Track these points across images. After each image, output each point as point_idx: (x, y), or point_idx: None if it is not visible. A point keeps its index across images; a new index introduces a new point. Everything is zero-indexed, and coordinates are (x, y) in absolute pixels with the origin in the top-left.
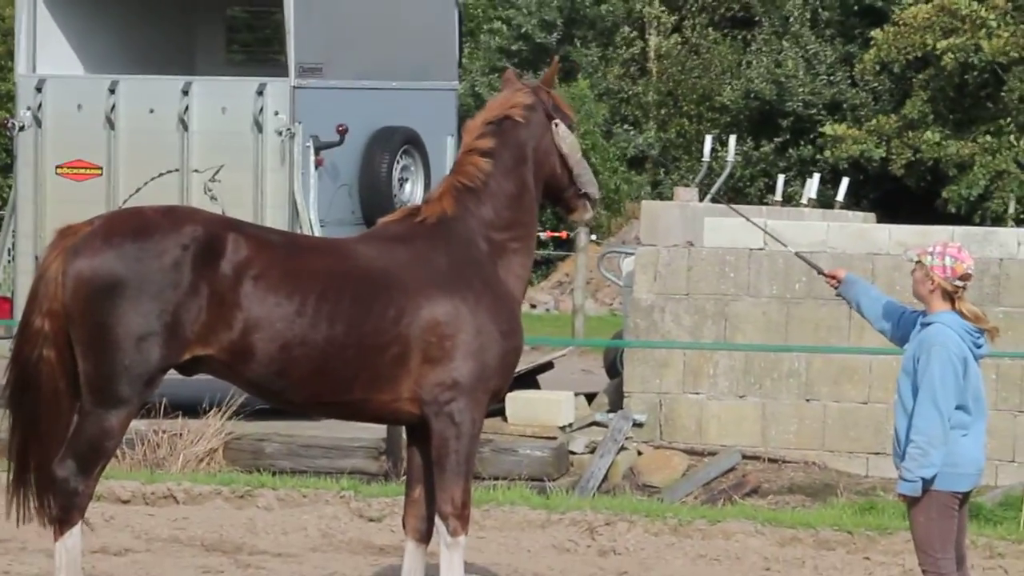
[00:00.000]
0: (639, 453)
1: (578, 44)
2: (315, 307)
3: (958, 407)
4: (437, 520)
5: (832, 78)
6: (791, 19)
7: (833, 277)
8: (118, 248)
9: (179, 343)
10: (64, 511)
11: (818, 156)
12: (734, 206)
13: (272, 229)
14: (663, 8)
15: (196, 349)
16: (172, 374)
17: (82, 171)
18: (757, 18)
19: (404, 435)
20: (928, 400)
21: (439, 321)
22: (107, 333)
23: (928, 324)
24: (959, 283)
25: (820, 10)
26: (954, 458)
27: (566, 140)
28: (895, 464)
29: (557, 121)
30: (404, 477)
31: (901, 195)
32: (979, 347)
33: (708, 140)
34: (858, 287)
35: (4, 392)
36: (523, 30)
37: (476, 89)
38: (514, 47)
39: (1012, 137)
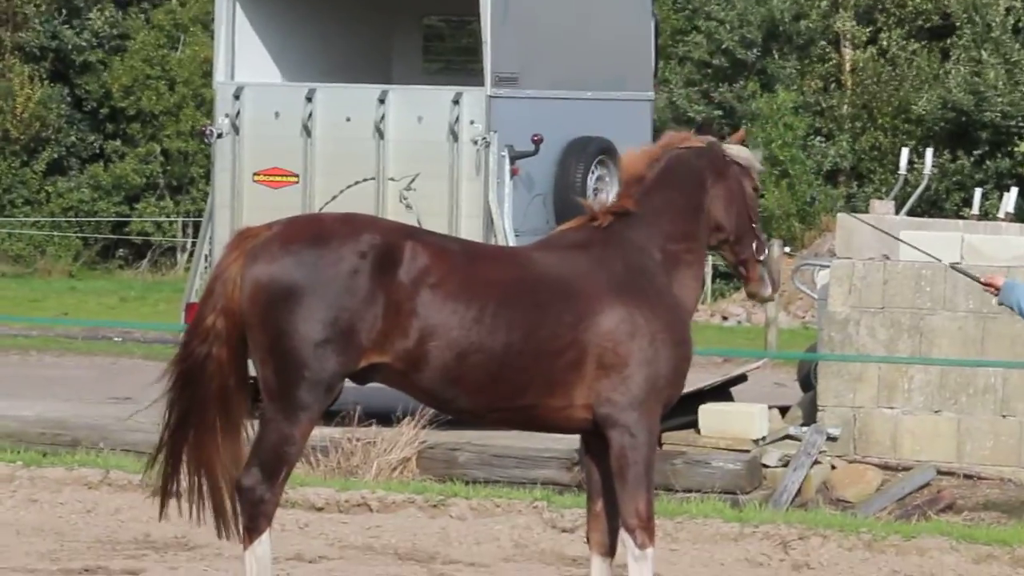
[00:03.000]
0: (833, 467)
1: (776, 57)
2: (492, 314)
3: None
4: (623, 533)
5: None
6: (993, 25)
7: (991, 285)
8: (296, 255)
9: (356, 350)
10: (252, 519)
11: (1017, 169)
12: (861, 216)
13: (449, 237)
14: (855, 24)
15: (372, 356)
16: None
17: (278, 178)
18: (958, 24)
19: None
20: None
21: (614, 327)
22: (285, 339)
23: None
24: None
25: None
26: None
27: (750, 197)
28: None
29: (743, 174)
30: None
31: None
32: None
33: (904, 153)
34: (1019, 291)
35: (166, 387)
36: (723, 45)
37: (674, 100)
38: (714, 61)
39: None
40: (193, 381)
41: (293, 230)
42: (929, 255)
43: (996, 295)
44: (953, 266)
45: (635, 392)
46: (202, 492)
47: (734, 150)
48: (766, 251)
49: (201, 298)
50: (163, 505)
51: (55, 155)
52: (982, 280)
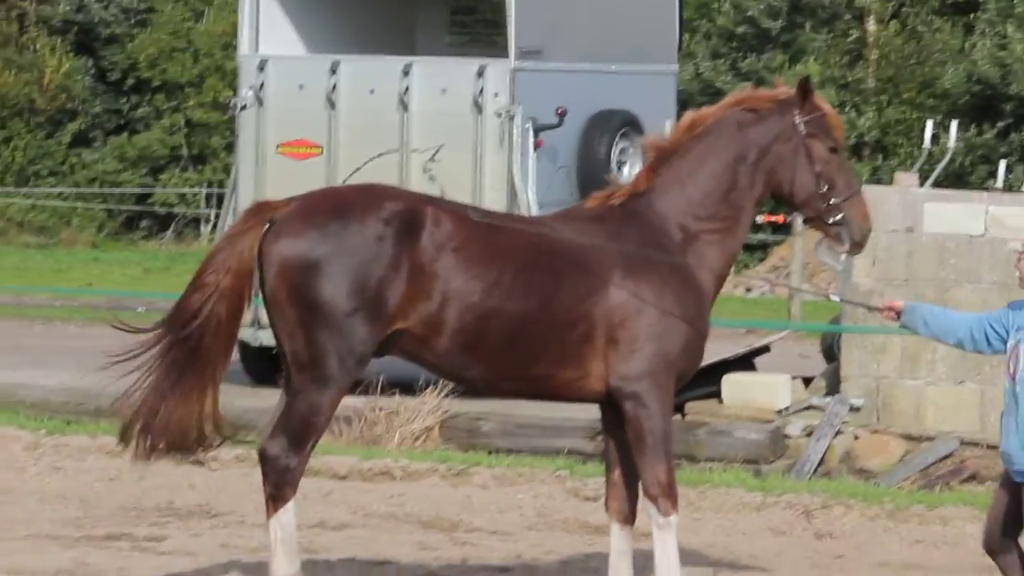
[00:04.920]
0: (856, 437)
1: (807, 28)
2: (511, 279)
3: None
4: (646, 502)
5: None
6: (1016, 1)
7: (890, 309)
8: (321, 227)
9: (383, 317)
10: (277, 488)
11: None
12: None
13: (469, 205)
14: None
15: (397, 323)
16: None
17: (303, 150)
18: (982, 0)
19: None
20: None
21: (623, 303)
22: (316, 312)
23: None
24: None
25: None
26: None
27: (819, 159)
28: (1012, 453)
29: (812, 134)
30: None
31: None
32: None
33: (929, 125)
34: (921, 312)
35: (159, 334)
36: (748, 13)
37: (700, 73)
38: (739, 30)
39: None
40: (189, 334)
41: (314, 203)
42: (824, 295)
43: (896, 319)
44: (842, 300)
45: (646, 365)
46: (164, 430)
47: (807, 112)
48: (838, 215)
49: (206, 257)
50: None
51: (80, 127)
52: (881, 307)
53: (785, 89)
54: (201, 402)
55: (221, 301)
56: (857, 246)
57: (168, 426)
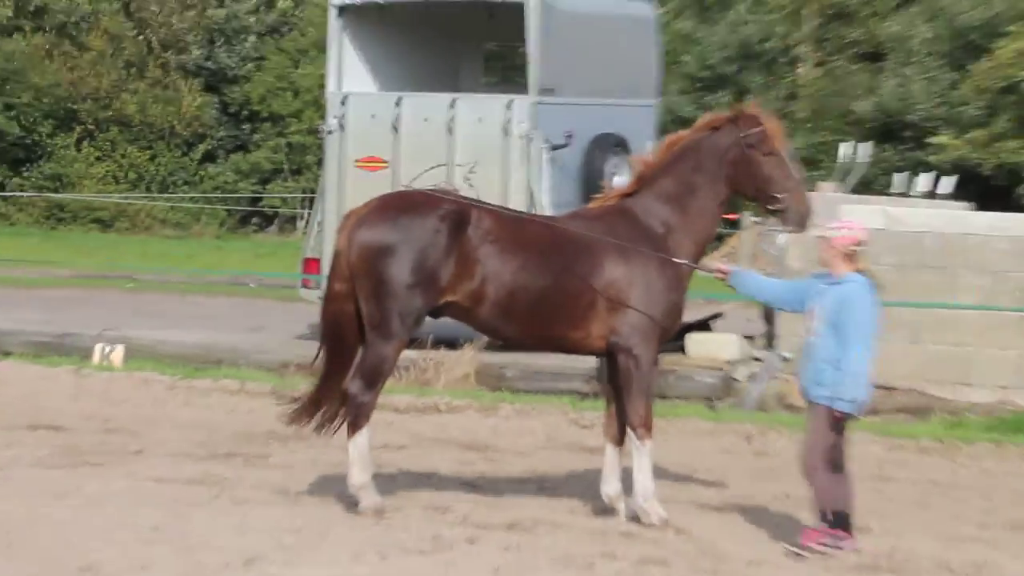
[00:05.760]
0: (786, 381)
1: (754, 71)
2: (534, 264)
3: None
4: (628, 430)
5: (943, 97)
6: (913, 51)
7: (720, 271)
8: (392, 221)
9: (436, 291)
10: (356, 418)
11: (928, 158)
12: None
13: (503, 207)
14: (807, 47)
15: (447, 295)
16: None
17: (374, 164)
18: (887, 51)
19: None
20: (861, 340)
21: (618, 278)
22: (385, 284)
23: (840, 283)
24: (856, 248)
25: (933, 43)
26: (862, 388)
27: (758, 163)
28: (807, 387)
29: (750, 144)
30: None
31: (989, 190)
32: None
33: (842, 147)
34: (747, 276)
35: (320, 336)
36: (708, 61)
37: (671, 107)
38: (701, 74)
39: None
40: (333, 331)
41: (388, 203)
42: (687, 263)
43: (724, 278)
44: (689, 265)
45: (636, 327)
46: (327, 398)
47: (746, 128)
48: (778, 203)
49: (329, 273)
50: (311, 410)
51: (208, 147)
52: (714, 269)
53: (736, 111)
54: (341, 383)
55: (346, 302)
56: (798, 226)
57: (320, 407)
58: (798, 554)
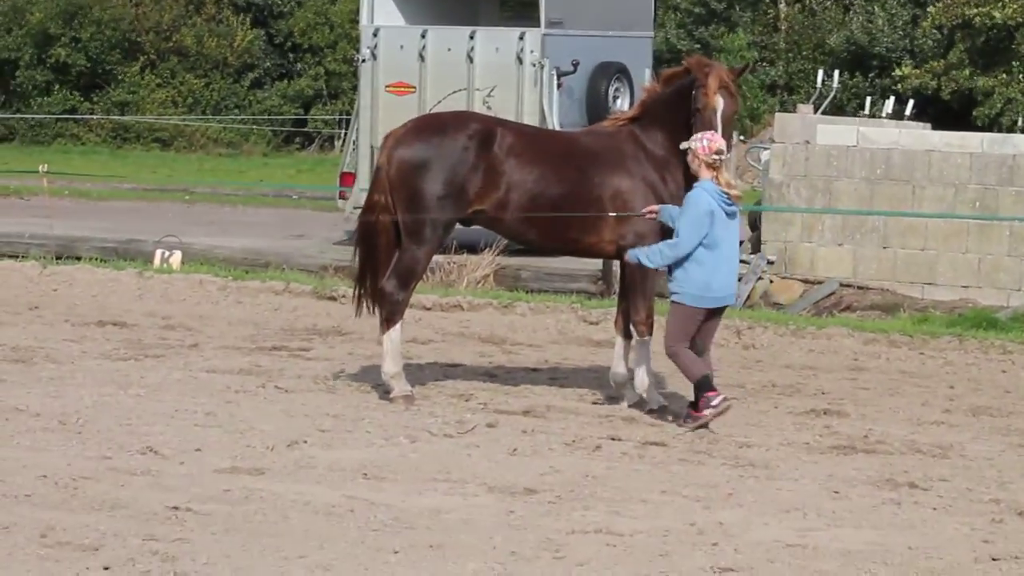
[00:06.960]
0: (771, 282)
1: (737, 9)
2: (552, 174)
3: (700, 244)
4: (632, 326)
5: (905, 31)
6: None
7: (651, 211)
8: (426, 140)
9: (465, 201)
10: (390, 314)
11: (895, 85)
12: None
13: (525, 124)
14: None
15: (476, 205)
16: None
17: (402, 89)
18: None
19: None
20: (679, 235)
21: (622, 190)
22: (419, 196)
23: (693, 188)
24: (715, 157)
25: None
26: (696, 286)
27: (702, 105)
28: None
29: (701, 88)
30: (615, 296)
31: (947, 113)
32: (730, 206)
33: (820, 74)
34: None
35: (354, 240)
36: None
37: (668, 38)
38: (695, 9)
39: (1020, 75)
40: (370, 235)
41: (421, 124)
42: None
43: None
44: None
45: (640, 234)
46: (368, 295)
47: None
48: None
49: (370, 185)
50: (358, 306)
51: (256, 75)
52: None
53: (694, 62)
54: (382, 275)
55: (383, 212)
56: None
57: (370, 293)
58: (701, 427)
